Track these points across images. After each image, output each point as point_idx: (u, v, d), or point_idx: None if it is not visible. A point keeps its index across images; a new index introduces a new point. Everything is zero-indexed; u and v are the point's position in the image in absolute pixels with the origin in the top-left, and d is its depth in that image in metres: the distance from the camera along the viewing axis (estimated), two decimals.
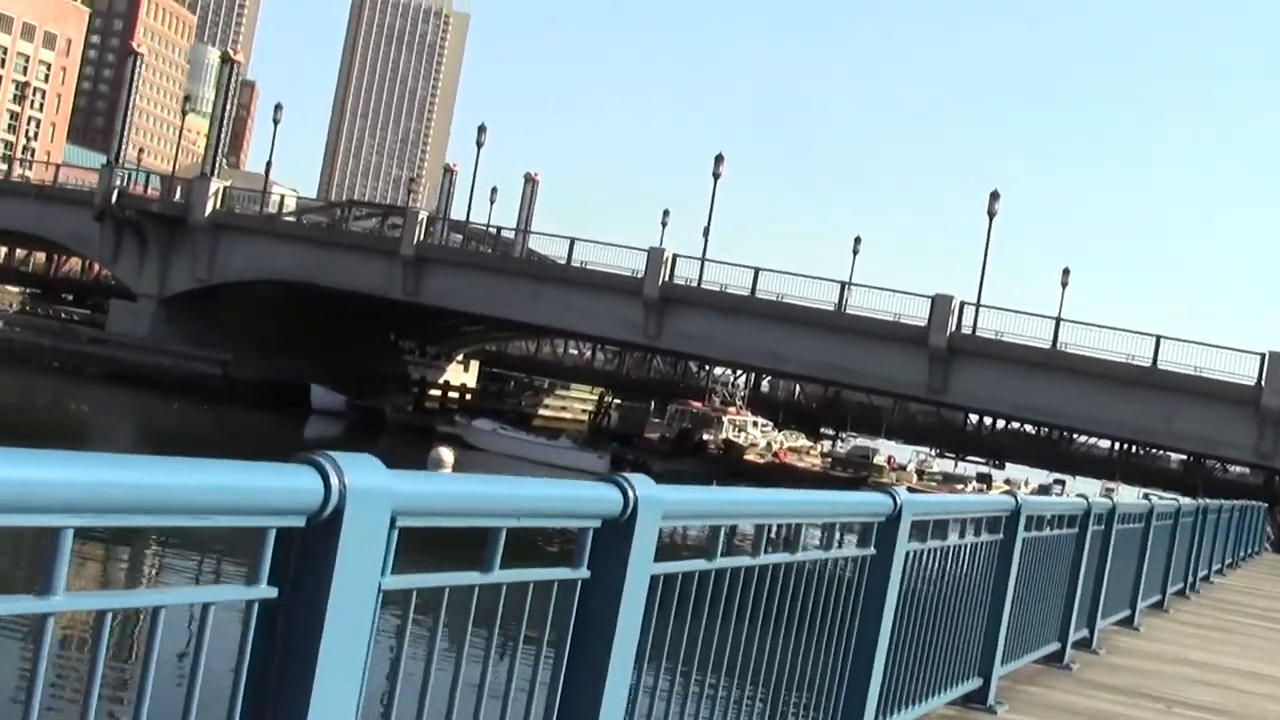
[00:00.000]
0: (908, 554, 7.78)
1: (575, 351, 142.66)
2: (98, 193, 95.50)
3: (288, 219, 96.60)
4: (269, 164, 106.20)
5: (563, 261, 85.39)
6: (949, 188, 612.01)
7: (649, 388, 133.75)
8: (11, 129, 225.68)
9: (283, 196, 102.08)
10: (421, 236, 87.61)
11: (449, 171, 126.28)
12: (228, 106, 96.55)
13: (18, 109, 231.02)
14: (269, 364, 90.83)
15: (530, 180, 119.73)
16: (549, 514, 4.36)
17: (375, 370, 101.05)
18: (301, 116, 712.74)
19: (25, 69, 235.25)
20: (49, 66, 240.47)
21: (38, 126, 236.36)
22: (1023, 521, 10.85)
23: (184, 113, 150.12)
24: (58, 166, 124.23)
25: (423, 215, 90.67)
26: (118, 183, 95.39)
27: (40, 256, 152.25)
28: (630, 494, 4.40)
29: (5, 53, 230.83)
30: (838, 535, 6.78)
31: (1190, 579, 24.77)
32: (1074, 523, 13.87)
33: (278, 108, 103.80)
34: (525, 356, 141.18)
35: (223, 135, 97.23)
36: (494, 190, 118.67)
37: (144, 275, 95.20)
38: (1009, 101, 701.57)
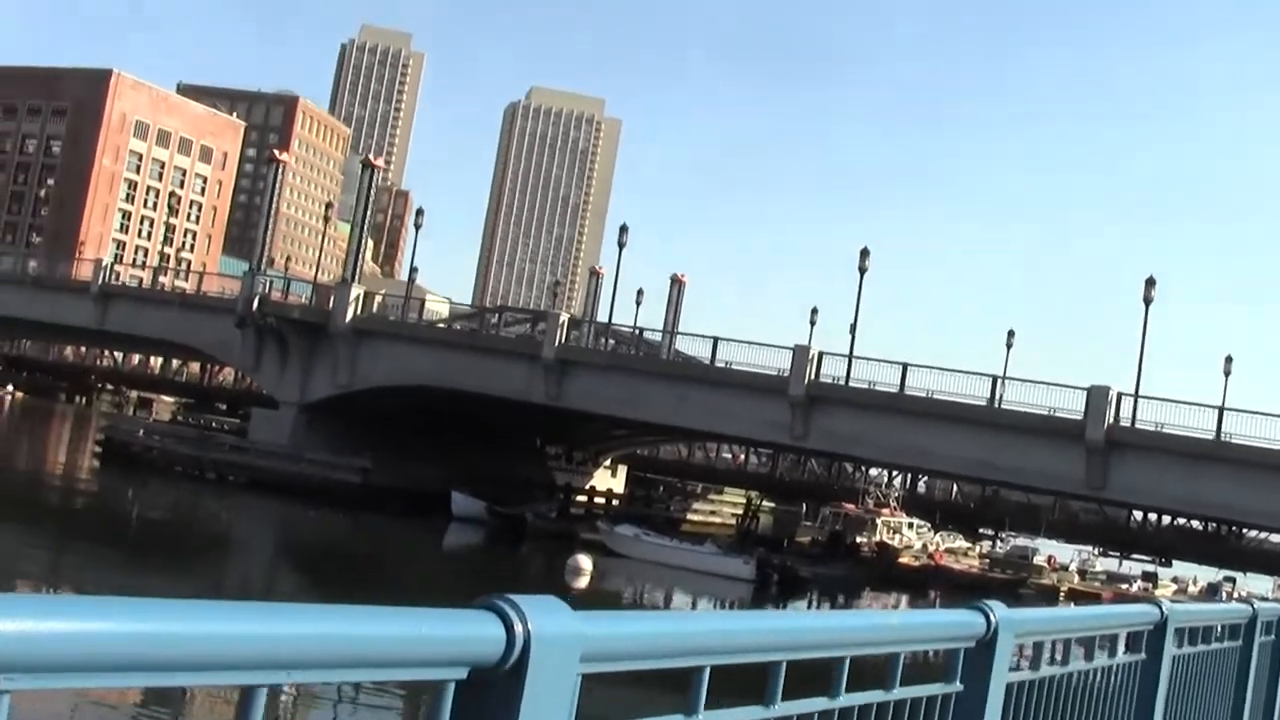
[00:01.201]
0: (1010, 687, 5.79)
1: (728, 455, 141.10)
2: (239, 300, 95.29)
3: (430, 324, 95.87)
4: (413, 269, 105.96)
5: (707, 362, 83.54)
6: (1104, 275, 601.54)
7: (803, 490, 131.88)
8: (168, 240, 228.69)
9: (423, 301, 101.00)
10: (563, 339, 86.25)
11: (595, 275, 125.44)
12: (368, 212, 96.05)
13: (175, 221, 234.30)
14: (409, 471, 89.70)
15: (677, 282, 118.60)
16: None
17: (520, 476, 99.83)
18: (456, 225, 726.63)
19: (182, 183, 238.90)
20: (205, 180, 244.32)
21: (194, 239, 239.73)
22: (1170, 635, 8.37)
23: (326, 219, 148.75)
24: (201, 274, 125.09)
25: (564, 318, 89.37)
26: (259, 290, 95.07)
27: (195, 367, 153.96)
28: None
29: (163, 167, 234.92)
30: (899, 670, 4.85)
31: None
32: (1236, 633, 10.82)
33: (419, 212, 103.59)
34: (677, 461, 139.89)
35: (363, 241, 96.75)
36: (639, 292, 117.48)
37: (285, 382, 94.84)
38: (1165, 184, 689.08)
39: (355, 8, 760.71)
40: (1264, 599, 64.52)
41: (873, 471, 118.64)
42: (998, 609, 5.52)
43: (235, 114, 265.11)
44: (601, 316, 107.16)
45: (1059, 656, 6.67)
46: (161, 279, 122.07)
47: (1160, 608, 8.36)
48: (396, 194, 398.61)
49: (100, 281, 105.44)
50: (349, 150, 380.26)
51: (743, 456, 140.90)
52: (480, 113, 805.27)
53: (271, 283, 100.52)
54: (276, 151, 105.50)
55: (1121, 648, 7.88)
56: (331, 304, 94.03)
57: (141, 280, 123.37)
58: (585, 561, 68.37)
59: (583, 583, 66.84)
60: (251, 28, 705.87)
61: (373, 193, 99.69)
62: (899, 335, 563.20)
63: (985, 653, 5.46)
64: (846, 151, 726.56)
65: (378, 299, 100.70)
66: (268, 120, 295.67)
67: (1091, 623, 7.63)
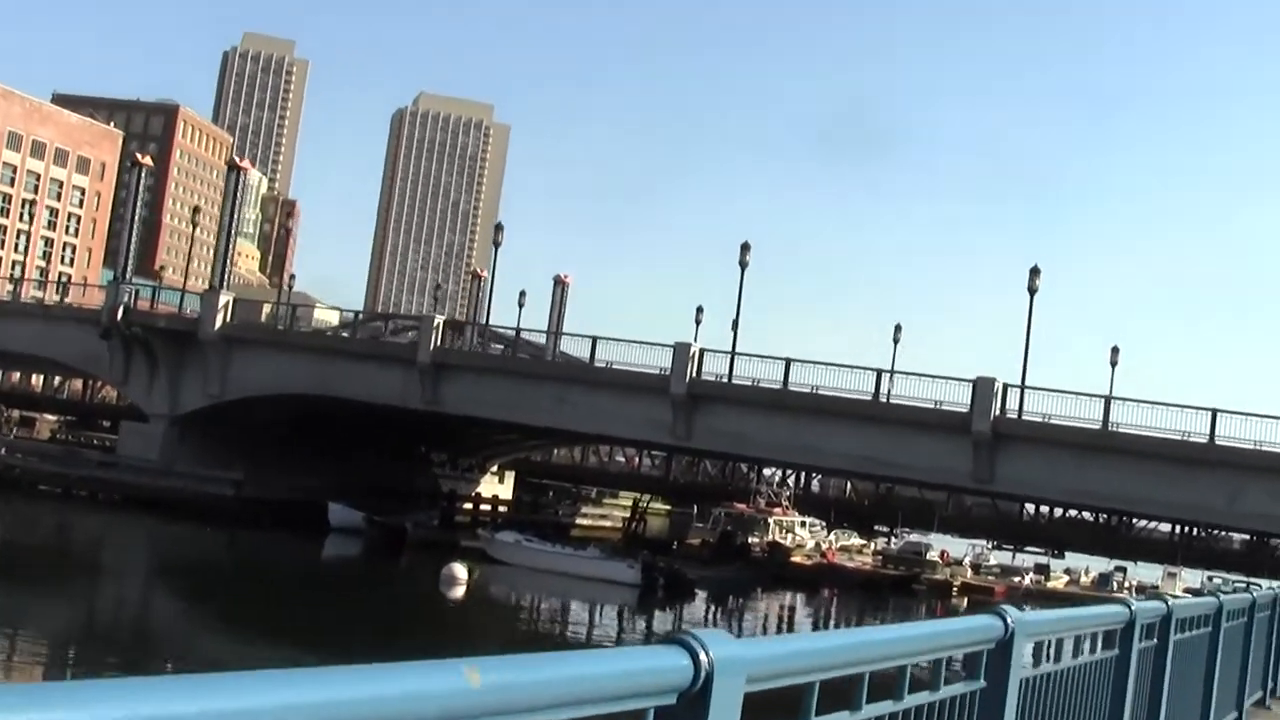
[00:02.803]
0: (1023, 682, 6.73)
1: (622, 459, 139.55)
2: (103, 310, 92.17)
3: (303, 331, 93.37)
4: (290, 275, 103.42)
5: (598, 364, 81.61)
6: (990, 267, 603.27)
7: (696, 492, 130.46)
8: (46, 255, 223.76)
9: (294, 308, 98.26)
10: (439, 343, 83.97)
11: (476, 277, 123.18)
12: (235, 215, 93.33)
13: (52, 234, 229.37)
14: (284, 482, 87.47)
15: (560, 283, 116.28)
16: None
17: (403, 485, 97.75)
18: (346, 234, 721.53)
19: (59, 195, 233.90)
20: (83, 191, 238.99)
21: (74, 252, 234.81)
22: (1138, 632, 9.58)
23: (194, 223, 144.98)
24: (64, 285, 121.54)
25: (439, 320, 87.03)
26: (124, 299, 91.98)
27: (78, 384, 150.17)
28: None
29: (39, 179, 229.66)
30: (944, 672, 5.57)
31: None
32: (1196, 624, 12.45)
33: (287, 212, 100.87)
34: (569, 465, 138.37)
35: (231, 245, 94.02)
36: (522, 294, 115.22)
37: (154, 394, 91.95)
38: (1050, 176, 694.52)
39: (237, 15, 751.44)
40: (1154, 587, 63.79)
41: (766, 471, 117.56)
42: (1013, 614, 6.31)
43: (114, 124, 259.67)
44: (491, 321, 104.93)
45: (1060, 656, 7.76)
46: (32, 292, 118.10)
47: (1129, 607, 9.50)
48: (283, 203, 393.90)
49: None
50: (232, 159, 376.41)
51: (636, 460, 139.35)
52: (367, 120, 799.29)
53: (138, 291, 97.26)
54: (139, 155, 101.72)
55: (1100, 644, 8.88)
56: (199, 312, 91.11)
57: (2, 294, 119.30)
58: (460, 570, 66.28)
59: (458, 592, 64.87)
60: (131, 36, 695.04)
61: (242, 194, 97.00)
62: (790, 333, 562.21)
63: (1004, 653, 6.24)
64: (727, 140, 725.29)
65: (266, 308, 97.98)
66: (147, 129, 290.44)
67: (1082, 622, 8.59)
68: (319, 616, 54.90)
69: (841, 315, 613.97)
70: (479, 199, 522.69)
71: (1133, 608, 9.49)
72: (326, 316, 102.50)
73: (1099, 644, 8.82)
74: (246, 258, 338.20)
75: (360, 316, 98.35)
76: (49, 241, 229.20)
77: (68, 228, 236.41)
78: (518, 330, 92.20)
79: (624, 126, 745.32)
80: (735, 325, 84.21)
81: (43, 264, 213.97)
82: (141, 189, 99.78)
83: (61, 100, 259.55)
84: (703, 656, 3.29)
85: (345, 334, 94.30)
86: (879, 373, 74.07)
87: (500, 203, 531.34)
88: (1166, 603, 10.97)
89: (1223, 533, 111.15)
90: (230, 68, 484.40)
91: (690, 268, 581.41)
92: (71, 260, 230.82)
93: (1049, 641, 7.48)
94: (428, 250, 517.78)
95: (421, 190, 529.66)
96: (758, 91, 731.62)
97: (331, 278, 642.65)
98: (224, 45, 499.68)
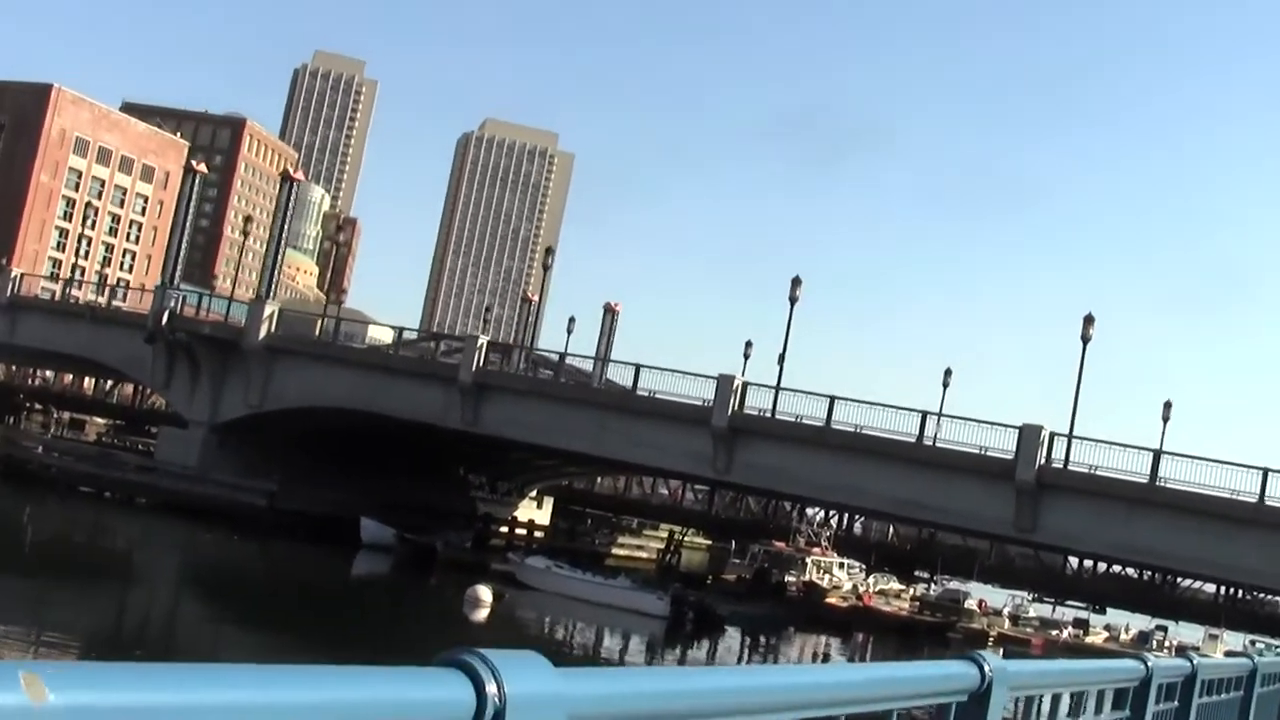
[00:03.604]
0: None
1: (665, 492, 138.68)
2: (150, 315, 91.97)
3: (343, 344, 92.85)
4: (340, 290, 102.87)
5: (640, 393, 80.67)
6: (1045, 316, 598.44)
7: (737, 528, 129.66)
8: (106, 260, 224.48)
9: (338, 322, 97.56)
10: (481, 363, 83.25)
11: (527, 301, 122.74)
12: (285, 226, 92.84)
13: (113, 240, 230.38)
14: (319, 495, 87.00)
15: (610, 310, 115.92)
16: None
17: (439, 504, 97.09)
18: (406, 254, 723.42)
19: (123, 202, 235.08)
20: (146, 199, 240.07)
21: (134, 259, 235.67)
22: (1154, 692, 8.35)
23: (245, 232, 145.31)
24: (112, 288, 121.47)
25: (483, 340, 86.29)
26: (170, 304, 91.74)
27: (129, 389, 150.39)
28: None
29: (104, 185, 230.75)
30: None
31: None
32: (1223, 687, 10.97)
33: (338, 227, 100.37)
34: (611, 495, 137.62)
35: (280, 257, 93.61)
36: (571, 320, 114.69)
37: (195, 401, 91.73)
38: (1107, 226, 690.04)
39: (309, 33, 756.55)
40: (1195, 649, 62.03)
41: (809, 511, 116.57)
42: (991, 660, 5.29)
43: (181, 134, 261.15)
44: (542, 346, 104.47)
45: (1046, 714, 6.69)
46: (75, 292, 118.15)
47: (1145, 663, 8.22)
48: (345, 221, 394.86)
49: (10, 293, 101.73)
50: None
51: (680, 493, 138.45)
52: (433, 142, 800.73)
53: (184, 298, 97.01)
54: (195, 163, 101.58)
55: (1109, 705, 7.82)
56: (245, 321, 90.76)
57: (54, 294, 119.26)
58: (485, 593, 65.37)
59: (482, 615, 64.00)
60: (205, 49, 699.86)
61: (295, 208, 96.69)
62: (840, 371, 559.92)
63: (978, 708, 5.23)
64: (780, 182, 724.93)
65: (319, 324, 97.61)
66: (214, 142, 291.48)
67: (1083, 677, 7.44)
68: (335, 630, 54.26)
69: (892, 354, 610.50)
70: (540, 226, 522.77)
71: (1149, 664, 8.27)
72: (380, 334, 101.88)
73: (1106, 705, 7.76)
74: (305, 273, 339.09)
75: (403, 333, 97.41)
76: (109, 248, 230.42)
77: (129, 235, 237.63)
78: (561, 355, 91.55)
79: (683, 158, 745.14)
80: (781, 360, 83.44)
81: (103, 269, 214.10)
82: (199, 198, 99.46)
83: (130, 109, 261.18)
84: (491, 686, 2.38)
85: (390, 350, 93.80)
86: (924, 415, 72.88)
87: (560, 231, 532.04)
88: (1191, 660, 9.96)
89: (1268, 596, 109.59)
90: (300, 85, 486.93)
91: (745, 300, 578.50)
92: (131, 267, 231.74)
93: (1040, 698, 6.54)
94: (485, 275, 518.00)
95: (483, 215, 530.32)
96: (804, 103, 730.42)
97: (389, 297, 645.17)
98: (295, 62, 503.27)
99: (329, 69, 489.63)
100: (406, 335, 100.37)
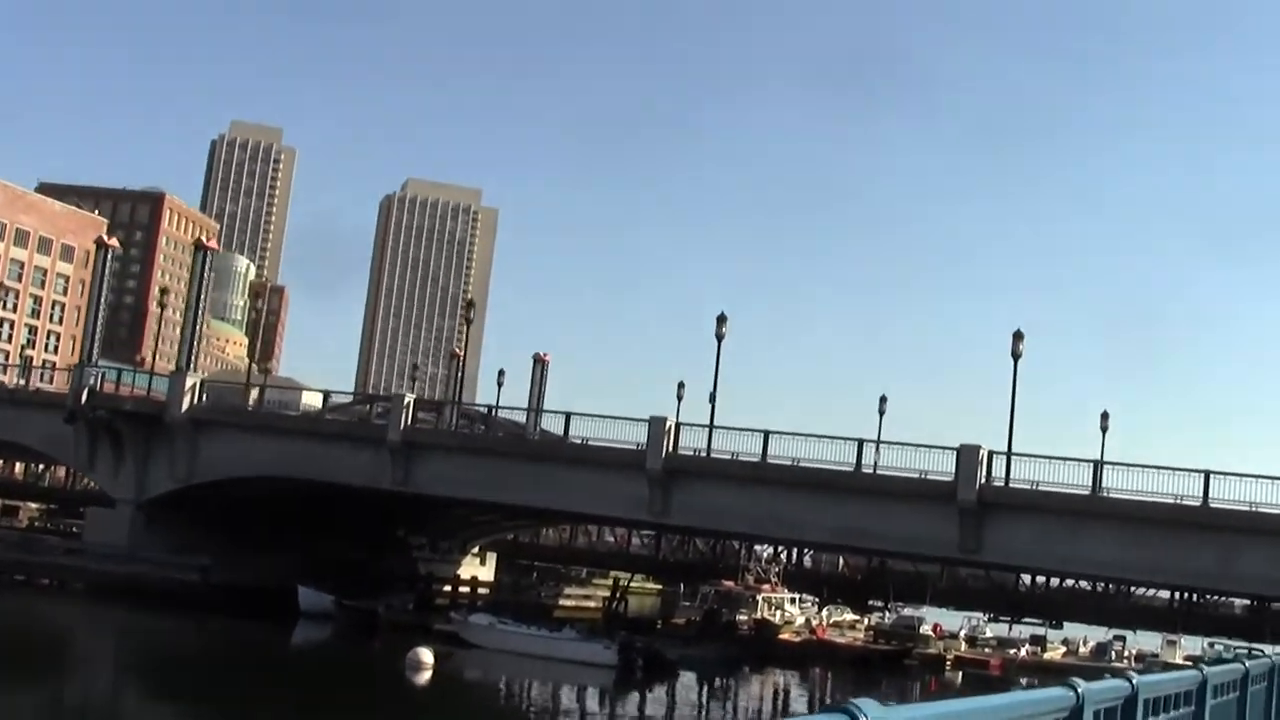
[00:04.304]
0: None
1: (611, 539, 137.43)
2: (69, 394, 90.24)
3: (268, 412, 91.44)
4: (265, 357, 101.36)
5: (572, 440, 79.40)
6: (977, 335, 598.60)
7: (686, 570, 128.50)
8: (29, 343, 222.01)
9: (262, 389, 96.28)
10: (409, 421, 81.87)
11: (454, 357, 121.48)
12: (201, 298, 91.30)
13: (36, 322, 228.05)
14: (254, 566, 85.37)
15: (539, 361, 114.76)
16: None
17: (379, 567, 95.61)
18: (336, 320, 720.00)
19: (43, 283, 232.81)
20: (67, 279, 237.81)
21: (58, 340, 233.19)
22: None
23: (161, 305, 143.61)
24: (34, 369, 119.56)
25: (409, 399, 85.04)
26: (89, 382, 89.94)
27: (61, 471, 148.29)
28: None
29: (22, 267, 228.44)
30: None
31: None
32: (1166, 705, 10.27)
33: (256, 294, 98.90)
34: (557, 545, 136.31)
35: (197, 327, 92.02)
36: (501, 373, 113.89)
37: (121, 479, 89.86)
38: (1031, 242, 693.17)
39: (224, 104, 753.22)
40: (1154, 656, 61.41)
41: (758, 548, 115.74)
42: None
43: (99, 212, 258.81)
44: (478, 401, 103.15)
45: None
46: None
47: (1075, 689, 7.48)
48: (272, 289, 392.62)
49: None
50: (221, 247, 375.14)
51: (626, 539, 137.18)
52: (357, 206, 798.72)
53: (104, 374, 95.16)
54: (106, 237, 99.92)
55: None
56: (166, 394, 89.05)
57: None
58: (426, 655, 63.83)
59: (424, 677, 62.44)
60: (120, 125, 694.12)
61: (212, 279, 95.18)
62: (772, 406, 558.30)
63: None
64: (711, 214, 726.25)
65: (253, 395, 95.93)
66: (133, 218, 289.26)
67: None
68: (278, 706, 52.86)
69: (827, 385, 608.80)
70: (468, 283, 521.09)
71: (1079, 690, 7.52)
72: (315, 400, 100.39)
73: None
74: (234, 344, 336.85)
75: (330, 397, 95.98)
76: (33, 330, 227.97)
77: (52, 315, 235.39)
78: (489, 408, 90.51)
79: (613, 206, 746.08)
80: (713, 398, 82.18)
81: (25, 351, 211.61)
82: (121, 275, 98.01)
83: (46, 189, 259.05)
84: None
85: (330, 416, 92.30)
86: (860, 443, 71.80)
87: (489, 286, 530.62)
88: (1131, 681, 8.81)
89: (1223, 598, 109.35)
90: (218, 155, 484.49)
91: (674, 342, 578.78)
92: (56, 348, 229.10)
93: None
94: (417, 335, 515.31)
95: (411, 275, 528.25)
96: (737, 170, 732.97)
97: (323, 363, 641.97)
98: (212, 133, 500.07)
99: (246, 138, 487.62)
100: (339, 399, 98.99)
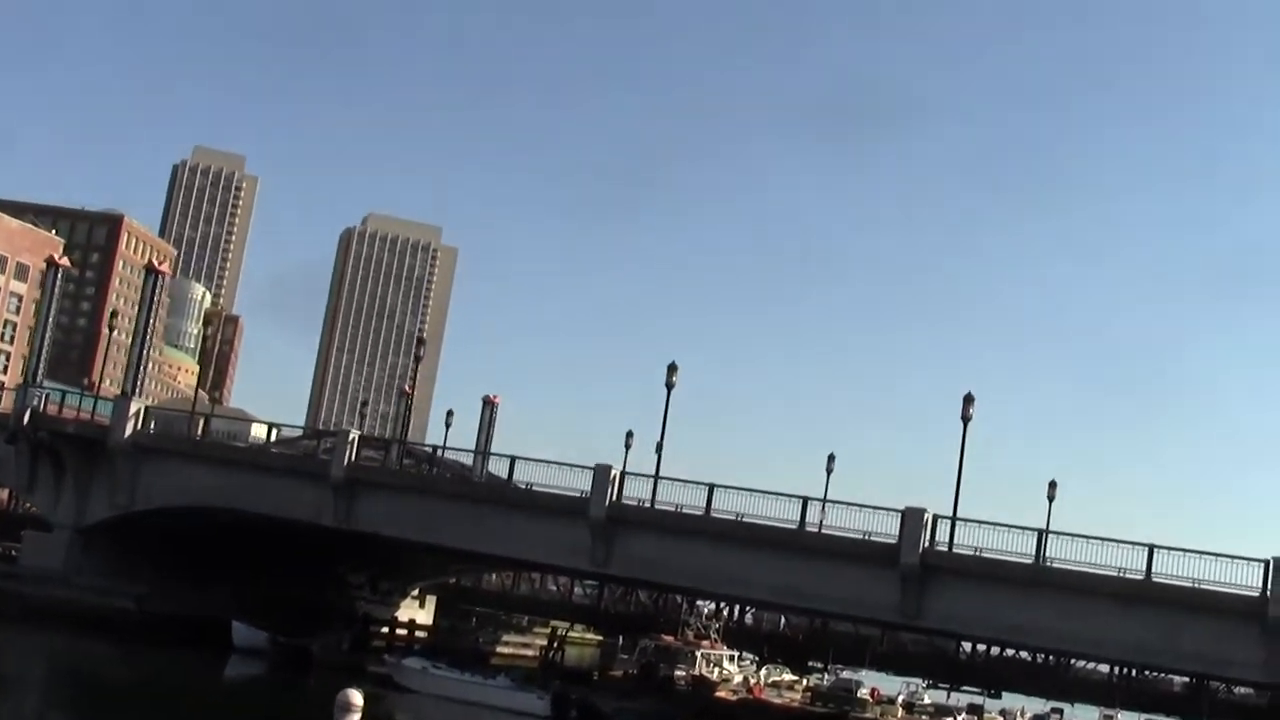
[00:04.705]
0: None
1: (554, 587, 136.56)
2: (11, 414, 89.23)
3: (213, 442, 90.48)
4: (214, 386, 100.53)
5: (516, 485, 78.63)
6: (927, 398, 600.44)
7: (627, 622, 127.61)
8: None
9: (203, 417, 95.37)
10: (352, 458, 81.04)
11: (404, 395, 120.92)
12: (151, 322, 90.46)
13: None
14: (191, 597, 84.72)
15: (489, 403, 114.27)
16: None
17: (317, 605, 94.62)
18: (290, 352, 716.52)
19: None
20: (20, 298, 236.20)
21: (8, 359, 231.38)
22: None
23: (111, 327, 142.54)
24: None
25: (354, 435, 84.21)
26: (33, 403, 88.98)
27: (3, 494, 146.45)
28: None
29: None
30: None
31: None
32: None
33: (207, 321, 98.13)
34: (500, 591, 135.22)
35: (145, 352, 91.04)
36: (449, 413, 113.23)
37: (61, 503, 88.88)
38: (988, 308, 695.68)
39: (188, 129, 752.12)
40: None
41: (700, 603, 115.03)
42: None
43: (56, 232, 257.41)
44: (428, 441, 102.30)
45: None
46: None
47: None
48: (227, 319, 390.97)
49: None
50: (177, 272, 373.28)
51: (569, 588, 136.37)
52: (316, 238, 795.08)
53: (48, 396, 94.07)
54: (57, 257, 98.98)
55: None
56: (110, 418, 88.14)
57: None
58: (356, 697, 61.90)
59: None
60: (84, 146, 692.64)
61: (158, 298, 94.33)
62: (721, 460, 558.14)
63: None
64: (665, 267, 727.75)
65: (199, 423, 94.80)
66: (91, 239, 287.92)
67: None
68: None
69: (777, 441, 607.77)
70: (424, 320, 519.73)
71: None
72: (262, 433, 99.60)
73: None
74: (186, 372, 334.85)
75: (274, 430, 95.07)
76: None
77: (4, 335, 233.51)
78: (434, 448, 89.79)
79: (574, 253, 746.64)
80: (659, 448, 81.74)
81: None
82: (79, 297, 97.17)
83: (3, 206, 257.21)
84: None
85: (275, 449, 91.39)
86: (805, 500, 71.17)
87: (445, 325, 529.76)
88: None
89: (1163, 674, 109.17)
90: (180, 181, 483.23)
91: (629, 391, 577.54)
92: (5, 368, 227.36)
93: None
94: (370, 371, 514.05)
95: (367, 311, 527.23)
96: (685, 215, 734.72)
97: (275, 396, 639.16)
98: (174, 158, 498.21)
99: (209, 165, 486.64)
100: (288, 433, 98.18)
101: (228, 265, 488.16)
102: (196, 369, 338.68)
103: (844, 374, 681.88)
